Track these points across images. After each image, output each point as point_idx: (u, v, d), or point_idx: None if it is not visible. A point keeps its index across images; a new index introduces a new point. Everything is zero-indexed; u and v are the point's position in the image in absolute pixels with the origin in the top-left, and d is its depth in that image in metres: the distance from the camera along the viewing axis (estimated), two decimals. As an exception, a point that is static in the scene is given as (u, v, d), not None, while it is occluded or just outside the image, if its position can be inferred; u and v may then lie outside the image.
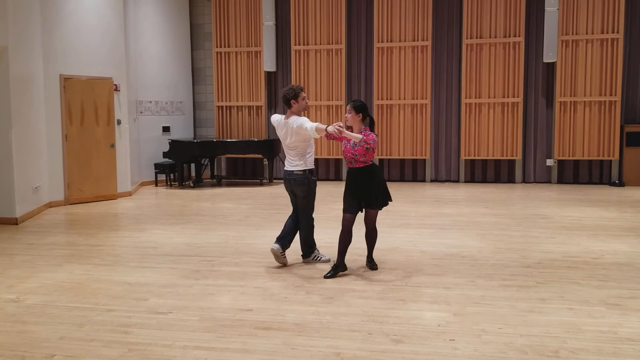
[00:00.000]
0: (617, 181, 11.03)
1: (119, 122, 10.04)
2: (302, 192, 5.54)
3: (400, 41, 11.53)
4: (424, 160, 11.80)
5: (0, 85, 7.83)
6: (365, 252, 5.59)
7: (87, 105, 9.52)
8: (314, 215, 5.73)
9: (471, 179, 11.73)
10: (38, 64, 8.83)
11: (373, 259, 5.58)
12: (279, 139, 11.77)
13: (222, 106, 12.43)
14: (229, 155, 12.37)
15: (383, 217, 8.04)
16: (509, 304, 4.49)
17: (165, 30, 11.89)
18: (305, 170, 5.49)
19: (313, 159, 5.57)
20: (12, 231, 7.46)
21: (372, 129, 5.30)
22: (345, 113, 5.34)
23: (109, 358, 3.61)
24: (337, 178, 12.10)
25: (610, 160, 11.16)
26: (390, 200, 5.44)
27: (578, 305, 4.45)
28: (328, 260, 5.67)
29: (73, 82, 9.32)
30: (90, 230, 7.46)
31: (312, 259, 5.77)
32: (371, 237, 5.51)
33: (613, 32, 10.80)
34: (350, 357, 3.58)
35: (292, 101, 5.45)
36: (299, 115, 5.48)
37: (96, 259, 6.01)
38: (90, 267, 5.73)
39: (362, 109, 5.25)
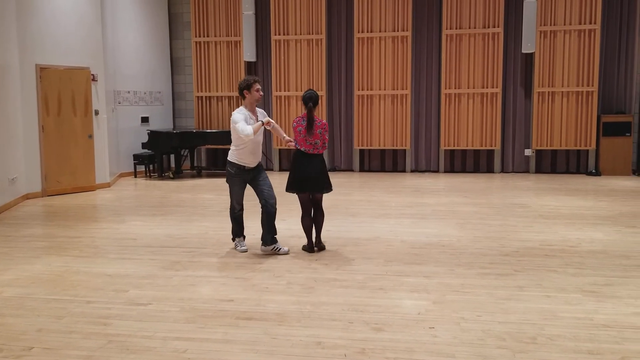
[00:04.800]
0: (593, 170, 11.19)
1: (96, 113, 9.90)
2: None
3: (380, 31, 11.53)
4: (404, 150, 11.86)
5: (-26, 74, 7.68)
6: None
7: (64, 96, 9.37)
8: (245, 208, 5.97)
9: (451, 169, 11.81)
10: (13, 54, 8.66)
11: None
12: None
13: (201, 96, 12.33)
14: (209, 146, 12.29)
15: (364, 206, 8.10)
16: (488, 291, 4.55)
17: (143, 19, 11.74)
18: (229, 161, 5.67)
19: (241, 155, 5.58)
20: (-12, 223, 7.34)
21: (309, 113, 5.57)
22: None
23: (89, 350, 3.58)
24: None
25: (587, 150, 11.31)
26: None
27: (555, 292, 4.52)
28: (245, 251, 5.82)
29: (49, 72, 9.17)
30: (69, 222, 7.38)
31: (234, 246, 5.95)
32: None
33: (590, 23, 10.92)
34: (331, 346, 3.60)
35: (245, 92, 5.57)
36: (252, 107, 5.62)
37: (75, 251, 5.95)
38: (69, 258, 5.67)
39: (304, 100, 5.56)
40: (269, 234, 5.71)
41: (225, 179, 5.84)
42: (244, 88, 5.56)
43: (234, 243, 6.00)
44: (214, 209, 8.16)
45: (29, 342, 3.72)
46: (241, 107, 5.62)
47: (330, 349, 3.55)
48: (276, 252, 5.70)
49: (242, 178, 5.69)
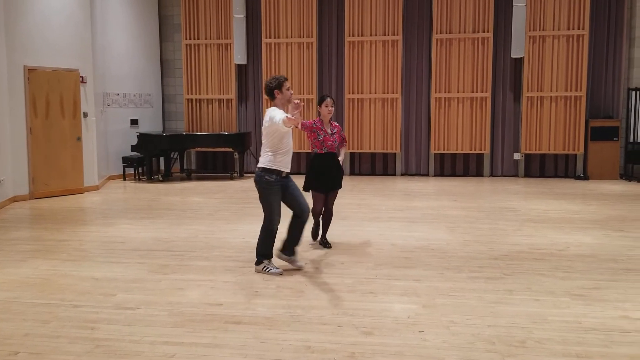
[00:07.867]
0: (581, 175, 11.27)
1: (85, 115, 9.84)
2: (258, 191, 5.13)
3: (371, 35, 11.56)
4: (395, 154, 11.88)
5: (-39, 76, 7.60)
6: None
7: (52, 98, 9.30)
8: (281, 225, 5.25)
9: (440, 172, 11.85)
10: (1, 55, 8.58)
11: (327, 239, 6.16)
12: (249, 133, 11.74)
13: (191, 99, 12.29)
14: (199, 149, 12.25)
15: (354, 210, 8.10)
16: (477, 295, 4.55)
17: (133, 21, 11.69)
18: (261, 167, 5.05)
19: (282, 161, 5.04)
20: (-26, 226, 7.27)
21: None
22: (330, 107, 5.91)
23: (76, 354, 3.54)
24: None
25: (576, 155, 11.39)
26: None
27: (544, 296, 4.54)
28: (280, 274, 5.11)
29: (38, 74, 9.10)
30: (57, 225, 7.31)
31: (262, 269, 5.18)
32: (329, 218, 6.14)
33: (579, 29, 11.01)
34: (321, 350, 3.59)
35: (276, 91, 5.03)
36: (284, 108, 5.04)
37: (62, 254, 5.89)
38: (57, 262, 5.61)
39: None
40: (294, 244, 5.27)
41: (259, 196, 5.11)
42: (275, 87, 5.03)
43: (259, 267, 5.20)
44: (203, 212, 8.12)
45: (15, 346, 3.67)
46: (274, 107, 5.05)
47: (320, 353, 3.54)
48: (296, 266, 5.27)
49: (280, 186, 5.06)
